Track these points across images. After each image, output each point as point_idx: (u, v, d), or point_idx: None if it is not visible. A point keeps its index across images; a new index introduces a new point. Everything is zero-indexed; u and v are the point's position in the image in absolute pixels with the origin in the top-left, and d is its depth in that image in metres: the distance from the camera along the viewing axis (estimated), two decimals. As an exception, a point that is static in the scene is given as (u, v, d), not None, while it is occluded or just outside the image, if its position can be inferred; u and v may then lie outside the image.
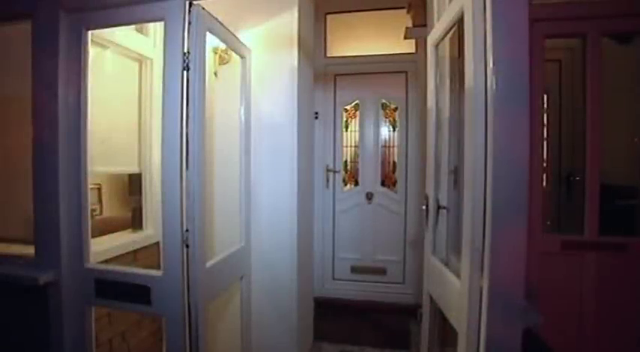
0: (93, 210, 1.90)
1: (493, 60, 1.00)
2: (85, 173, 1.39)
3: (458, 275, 1.25)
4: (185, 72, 1.28)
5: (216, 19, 1.50)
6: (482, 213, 1.05)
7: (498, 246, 1.01)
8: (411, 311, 2.65)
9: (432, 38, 1.55)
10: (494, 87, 1.00)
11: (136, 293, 1.31)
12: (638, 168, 1.67)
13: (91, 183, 1.88)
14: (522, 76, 0.98)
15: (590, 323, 1.65)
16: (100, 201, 1.97)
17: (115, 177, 2.01)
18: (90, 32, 1.38)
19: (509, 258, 1.01)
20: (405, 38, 2.41)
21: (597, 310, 1.65)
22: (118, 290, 1.35)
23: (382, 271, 3.13)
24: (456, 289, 1.21)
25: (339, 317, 2.78)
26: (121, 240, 1.84)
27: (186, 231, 1.30)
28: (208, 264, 1.44)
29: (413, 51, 2.78)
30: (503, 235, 1.00)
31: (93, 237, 1.72)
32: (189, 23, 1.29)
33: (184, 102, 1.28)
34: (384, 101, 3.16)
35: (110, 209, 2.01)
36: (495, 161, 1.00)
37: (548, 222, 2.27)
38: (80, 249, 1.38)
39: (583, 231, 1.70)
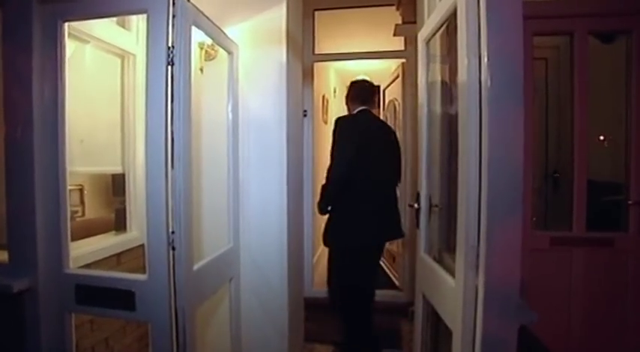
0: (75, 212, 1.81)
1: (488, 55, 0.98)
2: (64, 173, 1.31)
3: (452, 274, 1.24)
4: (170, 67, 1.23)
5: (203, 12, 1.44)
6: (476, 211, 1.04)
7: (494, 243, 0.99)
8: (403, 310, 2.64)
9: (422, 34, 1.53)
10: (488, 83, 0.99)
11: (120, 298, 1.25)
12: (624, 164, 1.70)
13: (72, 183, 1.80)
14: (517, 72, 0.97)
15: (579, 317, 1.68)
16: (82, 202, 1.89)
17: (98, 178, 1.93)
18: (67, 24, 1.30)
19: (504, 255, 1.00)
20: (395, 35, 2.40)
21: (586, 305, 1.67)
22: (100, 295, 1.28)
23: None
24: (451, 288, 1.20)
25: (331, 317, 2.75)
26: (104, 243, 1.76)
27: (172, 232, 1.24)
28: (196, 266, 1.39)
29: (402, 48, 2.76)
30: (499, 233, 0.99)
31: (75, 239, 1.65)
32: (174, 16, 1.23)
33: (169, 98, 1.22)
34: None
35: (93, 210, 1.93)
36: (490, 158, 0.99)
37: (534, 219, 2.30)
38: (59, 254, 1.30)
39: (571, 227, 1.72)
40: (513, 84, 0.98)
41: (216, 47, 1.83)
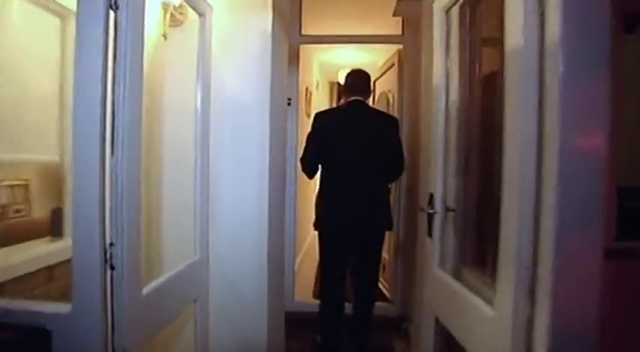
0: (17, 211, 1.43)
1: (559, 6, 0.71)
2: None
3: (484, 299, 0.97)
4: (112, 12, 0.87)
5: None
6: (531, 220, 0.77)
7: (563, 265, 0.72)
8: (395, 325, 2.37)
9: (440, 2, 1.26)
10: (556, 41, 0.71)
11: (28, 341, 0.88)
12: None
13: (16, 178, 1.42)
14: (601, 24, 0.70)
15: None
16: (27, 200, 1.49)
17: (53, 171, 1.54)
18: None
19: (577, 282, 0.73)
20: (395, 15, 2.13)
21: (615, 330, 1.45)
22: None
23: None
24: (485, 318, 0.92)
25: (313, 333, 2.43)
26: (35, 252, 1.37)
27: (111, 244, 0.89)
28: (146, 288, 1.03)
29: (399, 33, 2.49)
30: (572, 250, 0.73)
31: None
32: (119, -58, 0.88)
33: (109, 55, 0.87)
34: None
35: (45, 210, 1.53)
36: (561, 151, 0.71)
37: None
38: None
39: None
40: (595, 43, 0.71)
41: (185, 11, 1.48)
